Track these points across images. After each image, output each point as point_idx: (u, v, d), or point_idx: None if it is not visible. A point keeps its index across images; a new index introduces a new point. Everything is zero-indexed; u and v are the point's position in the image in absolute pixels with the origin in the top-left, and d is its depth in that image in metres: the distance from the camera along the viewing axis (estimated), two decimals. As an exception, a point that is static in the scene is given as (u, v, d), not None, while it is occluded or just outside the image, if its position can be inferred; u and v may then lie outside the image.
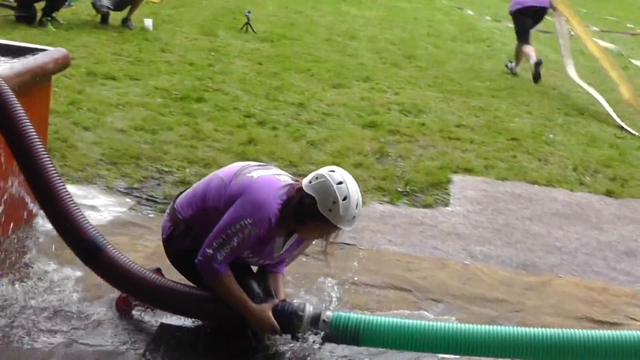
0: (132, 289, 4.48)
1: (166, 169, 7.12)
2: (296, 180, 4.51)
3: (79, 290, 4.80)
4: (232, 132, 8.34)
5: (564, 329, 4.43)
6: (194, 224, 4.51)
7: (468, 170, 8.10)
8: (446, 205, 7.19)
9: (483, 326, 4.48)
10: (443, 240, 6.43)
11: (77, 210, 4.35)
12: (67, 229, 4.32)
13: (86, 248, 4.34)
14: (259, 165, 4.65)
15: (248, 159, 7.51)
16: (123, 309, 4.70)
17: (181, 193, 4.74)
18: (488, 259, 6.22)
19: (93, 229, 4.36)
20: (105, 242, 4.36)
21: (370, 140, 8.62)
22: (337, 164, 7.58)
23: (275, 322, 4.42)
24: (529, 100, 11.45)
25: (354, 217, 4.37)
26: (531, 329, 4.44)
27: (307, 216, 4.35)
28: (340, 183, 4.32)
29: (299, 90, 10.39)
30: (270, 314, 4.42)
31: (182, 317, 4.68)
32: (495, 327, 4.49)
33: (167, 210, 4.71)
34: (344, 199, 4.30)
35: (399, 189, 7.36)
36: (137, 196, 6.51)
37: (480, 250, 6.33)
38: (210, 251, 4.27)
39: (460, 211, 7.08)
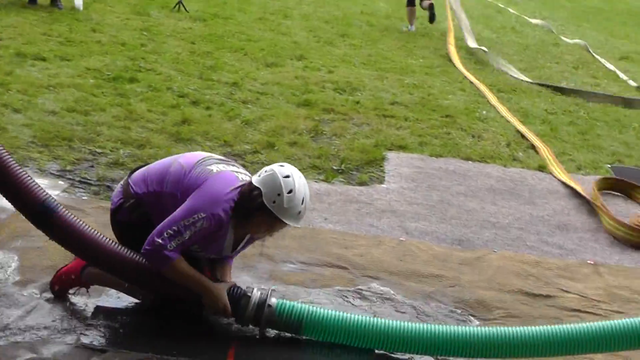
0: (86, 252, 4.38)
1: (99, 151, 7.04)
2: None
3: (12, 274, 4.73)
4: (165, 112, 8.28)
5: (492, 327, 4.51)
6: (146, 202, 4.47)
7: (402, 148, 8.16)
8: (381, 182, 7.23)
9: (425, 325, 4.55)
10: (378, 218, 6.47)
11: (27, 176, 4.27)
12: (18, 194, 4.23)
13: (39, 212, 4.26)
14: (221, 159, 4.62)
15: (182, 139, 7.51)
16: (58, 289, 4.65)
17: (137, 168, 4.68)
18: (423, 235, 6.28)
19: (45, 193, 4.28)
20: (57, 204, 4.29)
21: (305, 119, 8.62)
22: (272, 143, 7.63)
23: (228, 303, 4.44)
24: (461, 77, 11.55)
25: (299, 213, 4.37)
26: (471, 327, 4.51)
27: (254, 208, 4.34)
28: (287, 177, 4.33)
29: (232, 69, 10.34)
30: (225, 293, 4.45)
31: (118, 298, 4.65)
32: (438, 326, 4.55)
33: (121, 183, 4.65)
34: (289, 192, 4.30)
35: (334, 167, 7.39)
36: (70, 179, 6.43)
37: (415, 227, 6.39)
38: (159, 240, 4.23)
39: (395, 188, 7.13)
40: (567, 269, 5.96)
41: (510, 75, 12.17)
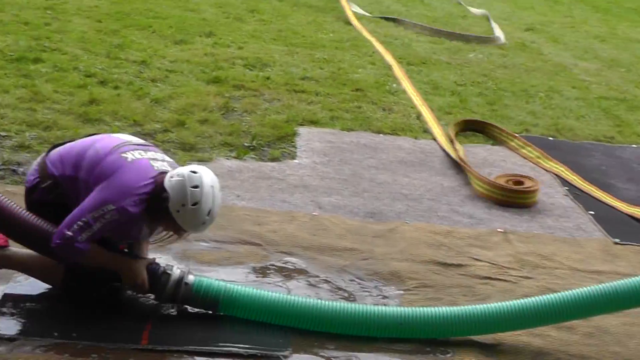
0: None
1: (3, 134, 6.89)
2: (173, 168, 4.45)
3: None
4: (72, 92, 8.12)
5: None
6: (62, 184, 4.39)
7: (314, 123, 8.17)
8: (293, 158, 7.24)
9: (345, 303, 4.64)
10: (291, 193, 6.48)
11: None
12: None
13: None
14: (139, 145, 4.54)
15: (90, 120, 7.40)
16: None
17: (56, 146, 4.58)
18: (336, 209, 6.31)
19: None
20: None
21: (215, 96, 8.56)
22: (183, 121, 7.57)
23: (146, 278, 4.42)
24: (371, 51, 11.59)
25: (203, 223, 4.34)
26: (388, 307, 4.65)
27: (160, 211, 4.29)
28: (195, 187, 4.25)
29: (140, 47, 10.19)
30: (144, 269, 4.42)
31: (27, 284, 4.58)
32: (355, 305, 4.62)
33: (37, 161, 4.57)
34: (194, 204, 4.25)
35: (246, 144, 7.36)
36: (-27, 163, 6.29)
37: (328, 201, 6.41)
38: (69, 233, 4.16)
39: (308, 163, 7.14)
40: (478, 238, 6.06)
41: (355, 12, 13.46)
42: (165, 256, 5.04)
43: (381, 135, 8.14)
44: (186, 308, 4.60)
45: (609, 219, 6.70)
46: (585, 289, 4.65)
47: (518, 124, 9.00)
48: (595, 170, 7.84)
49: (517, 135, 8.35)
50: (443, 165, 7.49)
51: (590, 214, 6.75)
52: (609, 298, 4.60)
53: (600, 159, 8.24)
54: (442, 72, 10.96)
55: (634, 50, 14.27)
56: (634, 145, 8.75)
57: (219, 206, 4.39)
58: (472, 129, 8.65)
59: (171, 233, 4.46)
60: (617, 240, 6.30)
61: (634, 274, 5.56)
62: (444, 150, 7.73)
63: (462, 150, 7.70)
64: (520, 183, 6.98)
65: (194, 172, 4.31)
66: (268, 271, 5.18)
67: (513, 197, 6.76)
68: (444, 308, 4.65)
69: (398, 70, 10.44)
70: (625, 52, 13.97)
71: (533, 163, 7.80)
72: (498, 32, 14.03)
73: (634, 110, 10.11)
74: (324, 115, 8.42)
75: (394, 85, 9.92)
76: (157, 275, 4.50)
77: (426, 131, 8.36)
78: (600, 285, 4.66)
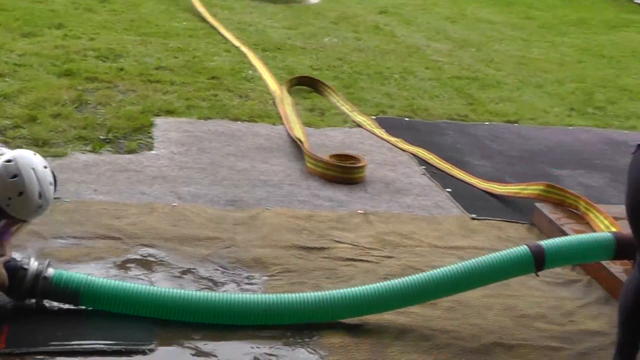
0: None
1: None
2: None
3: None
4: None
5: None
6: None
7: (170, 112, 8.08)
8: (150, 149, 7.15)
9: (209, 293, 4.67)
10: (150, 185, 6.40)
11: None
12: None
13: None
14: None
15: None
16: None
17: None
18: (196, 198, 6.27)
19: None
20: None
21: (68, 89, 8.36)
22: (34, 116, 7.38)
23: (6, 275, 4.30)
24: (226, 40, 11.54)
25: (40, 207, 4.23)
26: (251, 295, 4.68)
27: None
28: (14, 177, 4.13)
29: (-15, 41, 9.87)
30: (1, 266, 4.31)
31: None
32: (219, 294, 4.66)
33: None
34: (20, 194, 4.14)
35: (101, 137, 7.23)
36: None
37: (187, 191, 6.37)
38: None
39: (165, 154, 7.07)
40: (339, 221, 6.12)
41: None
42: (22, 255, 4.91)
43: (239, 122, 8.12)
44: (45, 306, 4.49)
45: (465, 196, 6.88)
46: (448, 267, 4.77)
47: (374, 105, 9.14)
48: (450, 149, 8.04)
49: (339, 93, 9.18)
50: (301, 151, 7.52)
51: (448, 192, 6.92)
52: (471, 275, 4.74)
53: (455, 137, 8.44)
54: (297, 57, 11.01)
55: (483, 30, 14.67)
56: (487, 123, 9.01)
57: (49, 185, 4.27)
58: (305, 84, 9.49)
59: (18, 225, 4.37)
60: (473, 215, 6.48)
61: (490, 247, 5.76)
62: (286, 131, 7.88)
63: (302, 130, 7.86)
64: (349, 159, 7.16)
65: (9, 161, 4.18)
66: (129, 265, 5.11)
67: (341, 173, 6.92)
68: (308, 293, 4.69)
69: (252, 57, 10.46)
70: (475, 32, 14.35)
71: (391, 144, 7.93)
72: None
73: (486, 89, 10.41)
74: (180, 104, 8.34)
75: (250, 72, 9.90)
76: (14, 271, 4.39)
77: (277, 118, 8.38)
78: (462, 263, 4.79)
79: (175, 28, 11.93)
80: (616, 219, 5.74)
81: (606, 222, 5.80)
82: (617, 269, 5.31)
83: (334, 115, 8.64)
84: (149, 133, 7.48)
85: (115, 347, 4.25)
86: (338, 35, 12.79)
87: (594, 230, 5.75)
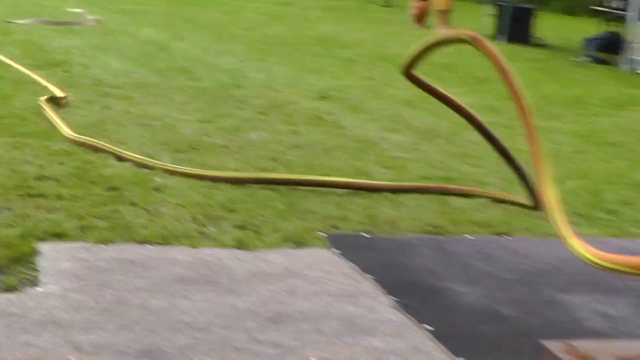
0: None
1: None
2: None
3: None
4: None
5: None
6: None
7: (59, 236, 8.03)
8: (36, 285, 7.07)
9: None
10: (37, 333, 6.32)
11: None
12: None
13: None
14: None
15: None
16: None
17: None
18: (99, 349, 6.19)
19: None
20: None
21: None
22: None
23: None
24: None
25: None
26: None
27: None
28: None
29: None
30: None
31: None
32: None
33: None
34: None
35: (-30, 273, 7.17)
36: None
37: (87, 340, 6.29)
38: None
39: (56, 291, 7.00)
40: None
41: None
42: None
43: (148, 246, 8.10)
44: None
45: (450, 333, 6.88)
46: None
47: (322, 219, 9.14)
48: (424, 272, 8.07)
49: None
50: (233, 280, 7.50)
51: (428, 329, 6.93)
52: None
53: (429, 256, 8.45)
54: (218, 158, 11.07)
55: (452, 116, 14.68)
56: (470, 237, 9.10)
57: None
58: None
59: None
60: None
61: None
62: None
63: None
64: None
65: None
66: None
67: None
68: None
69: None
70: (442, 119, 14.50)
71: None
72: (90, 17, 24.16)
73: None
74: (72, 225, 8.29)
75: (158, 178, 9.89)
76: None
77: (205, 236, 8.36)
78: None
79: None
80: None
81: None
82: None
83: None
84: (33, 264, 7.41)
85: None
86: (268, 128, 12.94)
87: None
